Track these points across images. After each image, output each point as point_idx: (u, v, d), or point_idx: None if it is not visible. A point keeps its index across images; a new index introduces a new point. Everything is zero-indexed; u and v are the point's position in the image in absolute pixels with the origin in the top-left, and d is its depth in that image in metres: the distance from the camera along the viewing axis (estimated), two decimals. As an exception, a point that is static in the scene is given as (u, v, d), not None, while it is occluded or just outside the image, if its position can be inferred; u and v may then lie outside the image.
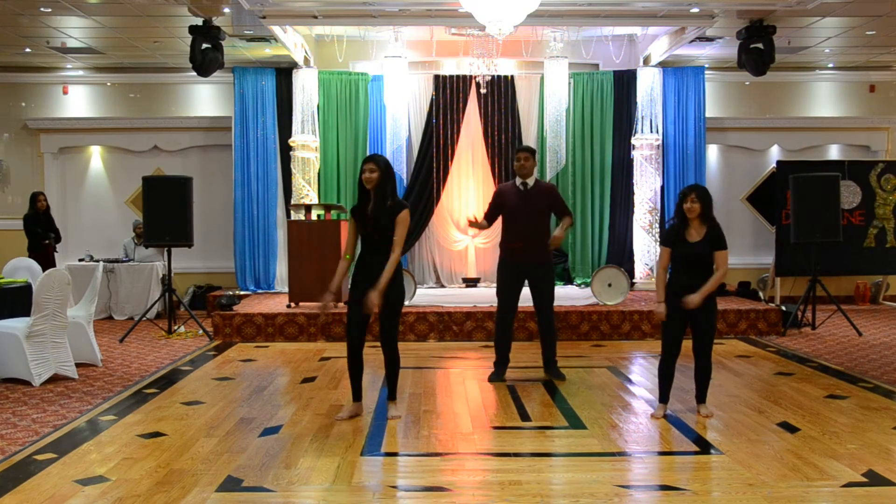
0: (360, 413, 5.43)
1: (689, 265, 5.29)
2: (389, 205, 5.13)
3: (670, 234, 5.42)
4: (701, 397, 5.52)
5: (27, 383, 6.44)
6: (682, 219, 5.31)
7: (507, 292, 6.61)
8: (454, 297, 9.81)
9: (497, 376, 6.64)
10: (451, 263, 11.29)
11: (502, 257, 6.66)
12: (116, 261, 10.53)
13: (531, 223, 6.48)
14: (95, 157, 11.72)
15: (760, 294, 11.06)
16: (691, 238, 5.29)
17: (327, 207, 9.58)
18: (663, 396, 5.50)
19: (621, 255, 11.17)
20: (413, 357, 7.72)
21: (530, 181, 6.53)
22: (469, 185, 11.35)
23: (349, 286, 5.29)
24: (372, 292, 5.02)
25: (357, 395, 5.42)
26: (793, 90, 11.93)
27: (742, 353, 7.92)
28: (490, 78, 10.68)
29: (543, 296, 6.62)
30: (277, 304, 9.56)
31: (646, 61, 11.07)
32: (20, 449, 4.75)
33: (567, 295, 10.04)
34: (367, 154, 5.43)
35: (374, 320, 5.37)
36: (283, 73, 11.00)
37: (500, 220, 6.69)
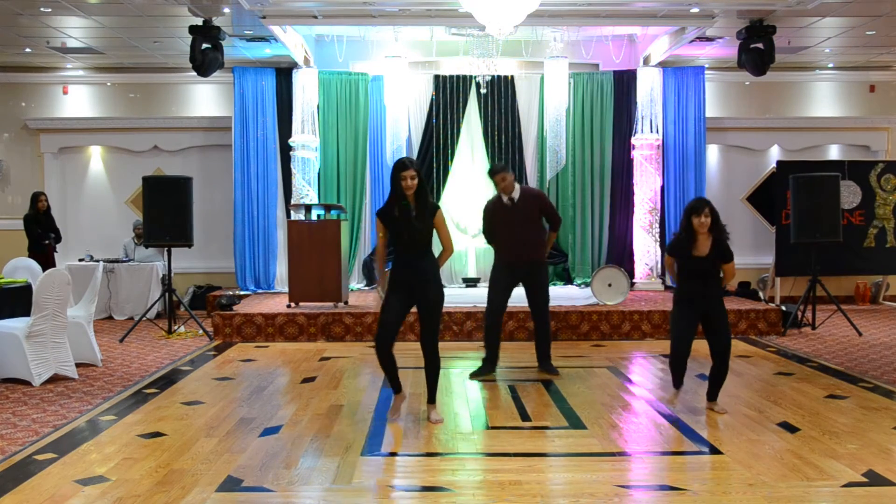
0: (400, 406, 5.48)
1: (697, 275, 5.39)
2: (426, 208, 5.21)
3: (676, 247, 5.50)
4: (714, 395, 5.59)
5: (27, 383, 6.44)
6: (691, 233, 5.34)
7: (499, 293, 6.72)
8: (454, 297, 9.78)
9: (485, 371, 6.75)
10: (451, 263, 11.27)
11: (498, 263, 6.78)
12: (116, 261, 10.53)
13: (523, 233, 6.61)
14: (95, 157, 11.72)
15: (760, 294, 11.06)
16: (697, 252, 5.34)
17: (327, 207, 9.57)
18: (678, 383, 5.62)
19: (621, 255, 11.17)
20: (413, 357, 7.67)
21: (515, 194, 6.63)
22: (469, 186, 11.34)
23: (386, 287, 5.34)
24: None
25: (398, 386, 5.42)
26: (793, 90, 11.92)
27: (742, 353, 7.91)
28: (490, 78, 10.68)
29: (538, 296, 6.73)
30: (277, 304, 9.56)
31: (646, 61, 11.07)
32: (20, 449, 4.75)
33: (567, 295, 10.04)
34: (398, 160, 5.26)
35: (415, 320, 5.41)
36: (283, 73, 10.99)
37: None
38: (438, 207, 5.31)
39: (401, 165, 5.18)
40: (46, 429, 5.20)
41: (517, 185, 6.68)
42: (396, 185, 5.15)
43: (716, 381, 5.55)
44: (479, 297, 9.78)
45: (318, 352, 8.09)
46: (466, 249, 11.38)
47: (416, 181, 5.13)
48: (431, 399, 5.44)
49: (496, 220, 6.71)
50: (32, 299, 6.49)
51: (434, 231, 5.27)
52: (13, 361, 6.45)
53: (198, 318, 9.20)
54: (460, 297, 9.78)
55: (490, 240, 6.89)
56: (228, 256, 11.25)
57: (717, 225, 5.33)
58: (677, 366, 5.56)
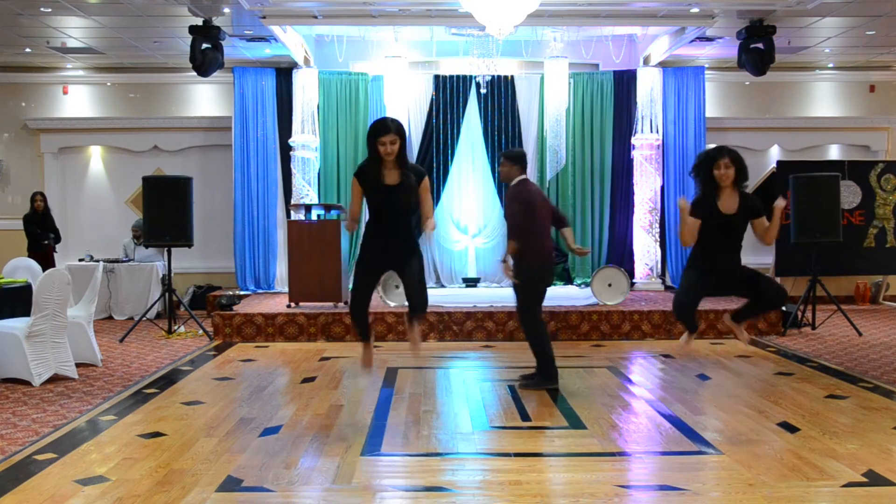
0: (371, 356, 5.19)
1: (723, 234, 4.90)
2: (410, 175, 4.67)
3: (700, 205, 4.97)
4: (741, 316, 5.23)
5: (27, 383, 6.44)
6: (713, 188, 4.82)
7: (539, 300, 6.20)
8: (454, 296, 9.80)
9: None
10: (451, 263, 11.28)
11: (531, 270, 6.00)
12: (116, 261, 10.53)
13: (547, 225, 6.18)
14: (95, 157, 11.72)
15: (760, 294, 11.04)
16: (724, 208, 4.89)
17: (327, 207, 9.57)
18: (692, 327, 5.23)
19: (621, 255, 11.17)
20: (413, 357, 7.72)
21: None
22: (469, 186, 11.35)
23: (358, 255, 4.95)
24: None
25: (367, 336, 5.04)
26: (793, 90, 11.92)
27: (742, 353, 7.92)
28: (490, 78, 10.68)
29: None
30: (277, 304, 9.56)
31: (646, 61, 11.07)
32: (20, 449, 4.75)
33: (567, 295, 10.04)
34: (376, 120, 4.75)
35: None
36: (283, 73, 10.99)
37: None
38: (426, 175, 4.78)
39: (380, 127, 4.53)
40: (46, 429, 5.20)
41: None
42: (373, 151, 4.55)
43: (752, 308, 5.12)
44: (479, 297, 9.82)
45: (318, 352, 8.09)
46: (466, 249, 11.37)
47: (396, 146, 4.55)
48: (417, 311, 4.95)
49: (535, 205, 5.99)
50: (32, 299, 6.49)
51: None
52: (13, 361, 6.45)
53: (198, 318, 9.20)
54: (460, 297, 9.78)
55: (517, 230, 5.95)
56: (228, 256, 11.25)
57: (743, 173, 4.78)
58: (685, 314, 5.07)
